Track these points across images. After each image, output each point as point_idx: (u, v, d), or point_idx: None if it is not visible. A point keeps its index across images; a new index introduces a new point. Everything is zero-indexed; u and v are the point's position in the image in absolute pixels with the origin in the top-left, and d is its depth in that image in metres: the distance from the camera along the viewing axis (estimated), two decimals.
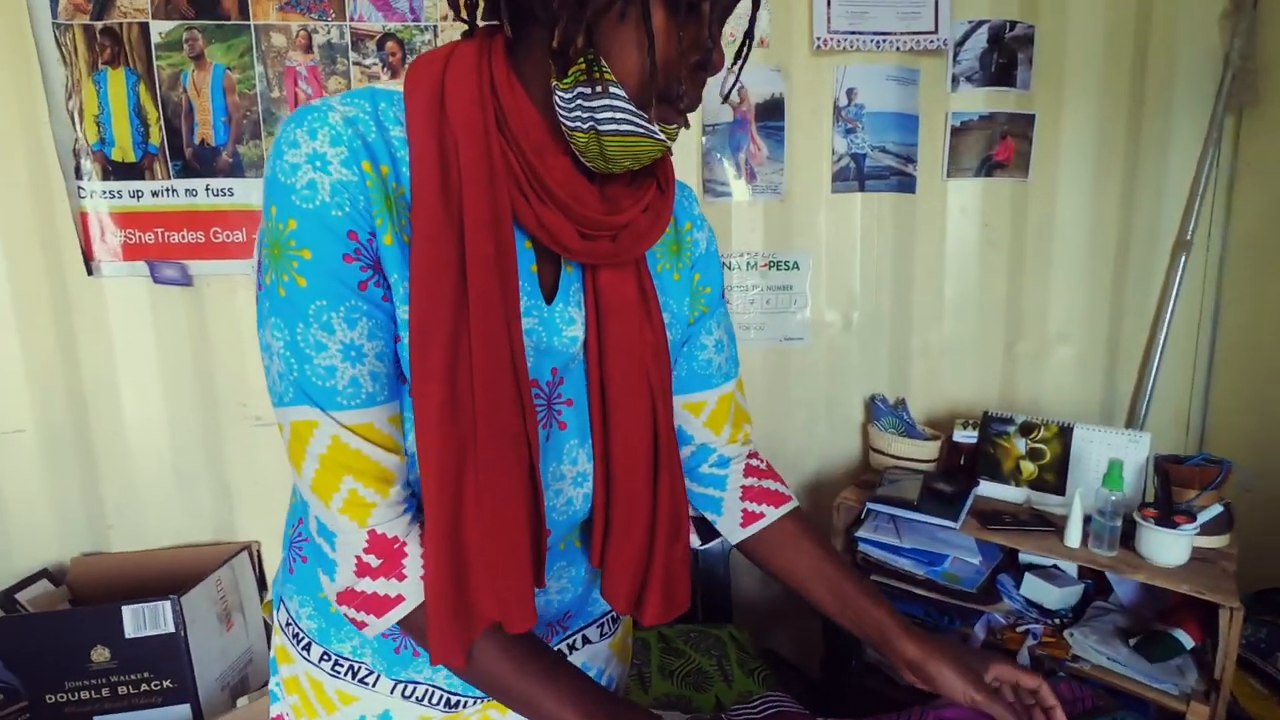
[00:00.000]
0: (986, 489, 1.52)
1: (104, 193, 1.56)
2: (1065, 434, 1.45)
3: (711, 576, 1.70)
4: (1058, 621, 1.33)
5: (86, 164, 1.55)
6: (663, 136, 0.52)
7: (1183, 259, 1.75)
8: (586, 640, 0.75)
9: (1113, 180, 1.74)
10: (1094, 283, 1.78)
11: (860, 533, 1.47)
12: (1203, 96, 1.70)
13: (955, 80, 1.68)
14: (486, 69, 0.52)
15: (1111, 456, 1.33)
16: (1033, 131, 1.71)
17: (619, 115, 0.50)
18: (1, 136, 1.51)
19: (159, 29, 1.52)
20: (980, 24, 1.66)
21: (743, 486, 0.76)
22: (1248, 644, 1.39)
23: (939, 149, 1.71)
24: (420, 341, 0.51)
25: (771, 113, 1.65)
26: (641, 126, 0.51)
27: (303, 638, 0.67)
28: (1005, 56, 1.67)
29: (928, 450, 1.62)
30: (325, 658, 0.66)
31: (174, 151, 1.57)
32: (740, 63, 0.59)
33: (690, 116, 1.67)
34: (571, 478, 0.64)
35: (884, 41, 1.64)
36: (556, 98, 0.51)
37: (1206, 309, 1.79)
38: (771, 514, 0.75)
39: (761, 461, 0.79)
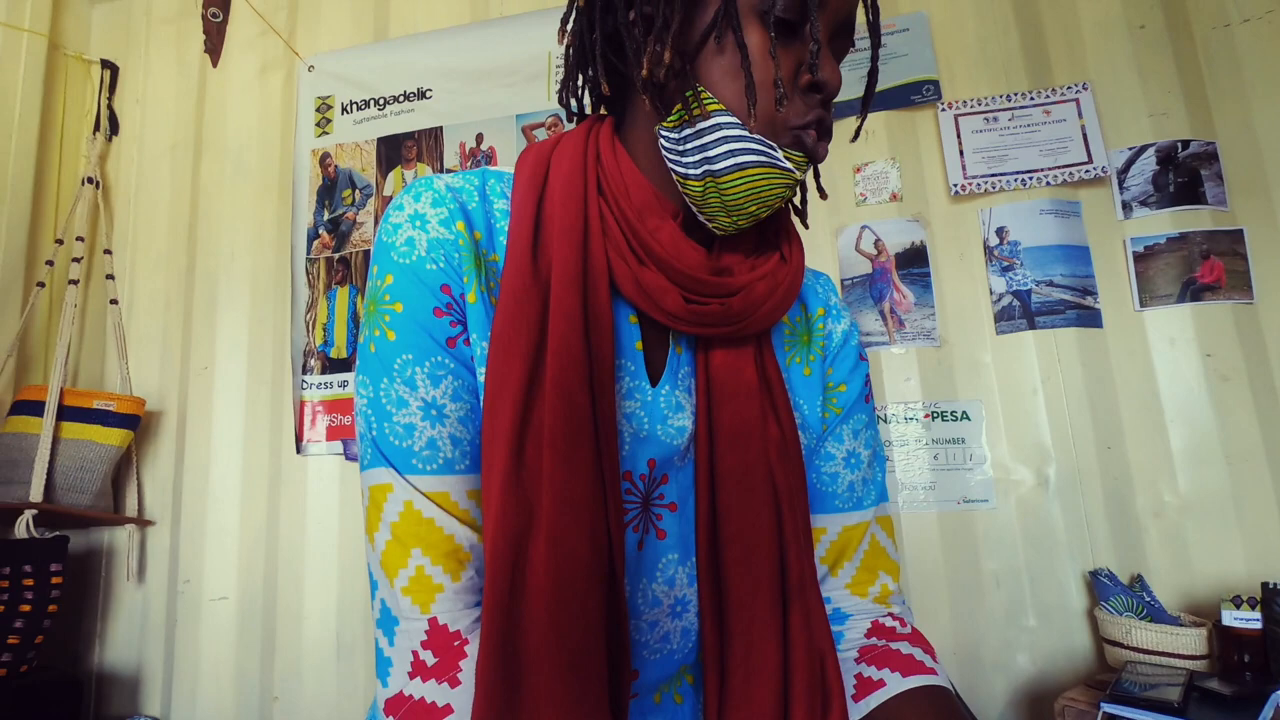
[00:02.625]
0: None
1: (319, 384, 1.85)
2: None
3: None
4: None
5: (311, 362, 1.87)
6: (789, 165, 0.47)
7: None
8: None
9: None
10: None
11: None
12: None
13: (1127, 206, 1.53)
14: (593, 141, 0.53)
15: None
16: (1243, 248, 1.46)
17: (735, 146, 0.46)
18: (258, 341, 1.91)
19: None
20: (1144, 148, 1.53)
21: (862, 647, 0.56)
22: None
23: (1123, 278, 1.51)
24: (492, 400, 0.46)
25: (914, 260, 1.60)
26: (764, 154, 0.46)
27: None
28: (1184, 175, 1.51)
29: (1189, 641, 1.20)
30: None
31: None
32: (863, 115, 0.56)
33: (825, 271, 1.65)
34: (669, 604, 0.52)
35: (1030, 179, 1.56)
36: (662, 141, 0.49)
37: None
38: (896, 684, 0.52)
39: (903, 624, 0.58)
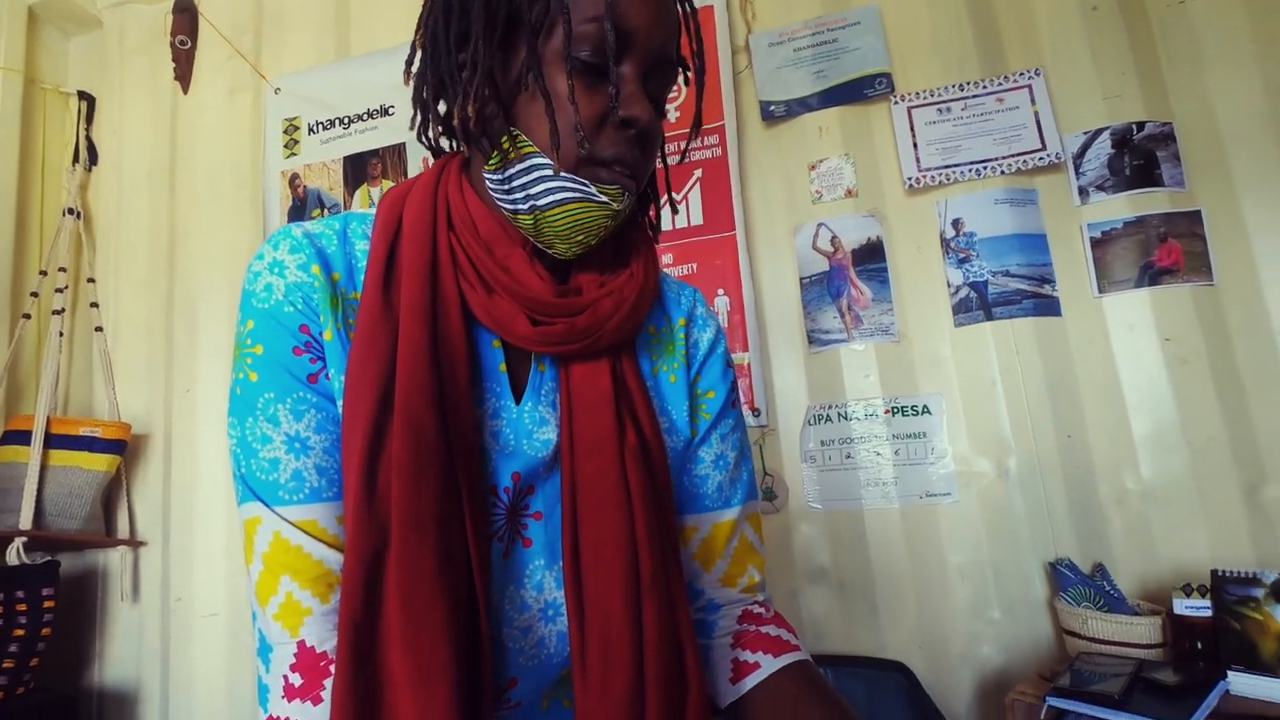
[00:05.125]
0: (1242, 684, 1.06)
1: None
2: None
3: None
4: None
5: None
6: (603, 198, 0.51)
7: None
8: None
9: None
10: None
11: None
12: None
13: (1084, 192, 1.52)
14: (444, 180, 0.56)
15: None
16: (1201, 229, 1.44)
17: (552, 185, 0.50)
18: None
19: None
20: (1099, 132, 1.52)
21: (735, 633, 0.61)
22: None
23: (1081, 265, 1.50)
24: (347, 430, 0.49)
25: (871, 256, 1.59)
26: (578, 190, 0.50)
27: None
28: (1140, 158, 1.49)
29: (1143, 630, 1.20)
30: None
31: None
32: (690, 138, 0.61)
33: (784, 270, 1.66)
34: (539, 609, 0.55)
35: (985, 168, 1.55)
36: (488, 181, 0.53)
37: None
38: (770, 664, 0.58)
39: (768, 610, 0.64)
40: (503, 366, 0.55)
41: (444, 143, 0.60)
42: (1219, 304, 1.42)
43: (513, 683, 0.54)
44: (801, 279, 1.63)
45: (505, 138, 0.51)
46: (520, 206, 0.52)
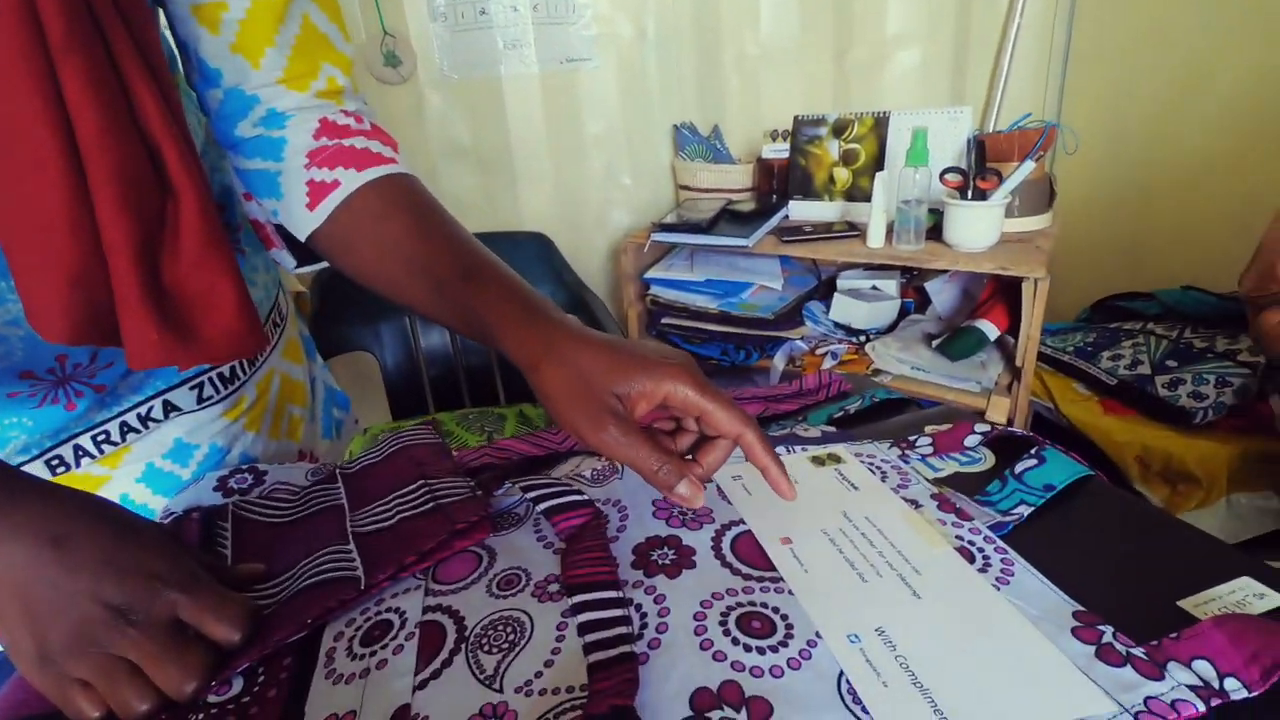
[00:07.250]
0: (800, 209, 1.29)
1: None
2: (881, 126, 1.21)
3: None
4: (865, 339, 1.15)
5: None
6: None
7: None
8: (172, 408, 0.49)
9: None
10: None
11: (650, 273, 1.24)
12: None
13: None
14: None
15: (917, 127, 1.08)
16: None
17: None
18: None
19: None
20: None
21: (310, 150, 0.47)
22: (1078, 351, 1.28)
23: None
24: None
25: None
26: None
27: None
28: None
29: (737, 176, 1.36)
30: None
31: None
32: None
33: None
34: None
35: None
36: None
37: None
38: (352, 180, 0.46)
39: (360, 120, 0.48)
40: None
41: None
42: None
43: None
44: None
45: None
46: None
